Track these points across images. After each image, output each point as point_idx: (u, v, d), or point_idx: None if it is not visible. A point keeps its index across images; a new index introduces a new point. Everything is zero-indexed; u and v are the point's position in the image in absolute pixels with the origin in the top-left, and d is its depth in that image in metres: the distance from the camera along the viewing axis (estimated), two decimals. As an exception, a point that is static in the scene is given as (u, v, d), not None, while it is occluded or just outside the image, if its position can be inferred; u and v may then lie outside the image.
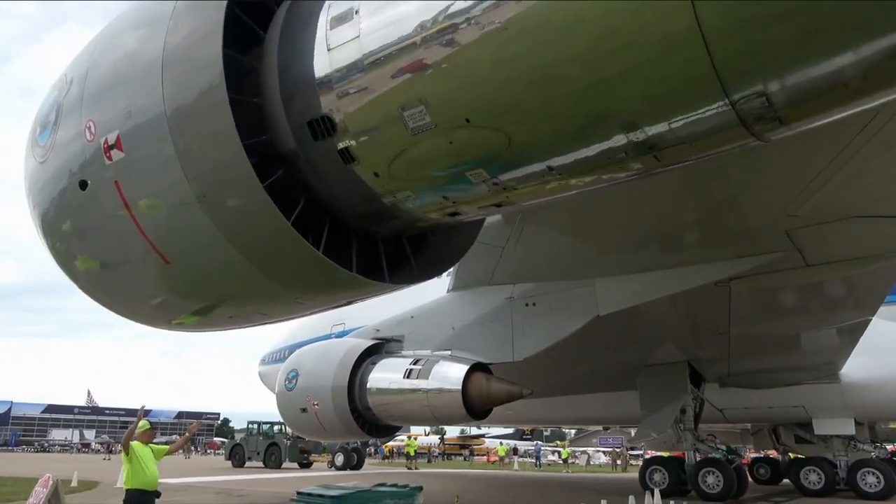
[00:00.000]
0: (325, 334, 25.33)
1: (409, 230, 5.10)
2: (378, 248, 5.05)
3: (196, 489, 18.83)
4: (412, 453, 39.29)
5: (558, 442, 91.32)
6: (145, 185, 4.78)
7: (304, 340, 27.38)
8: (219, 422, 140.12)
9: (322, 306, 5.92)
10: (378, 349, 13.92)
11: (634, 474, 32.68)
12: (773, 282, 10.95)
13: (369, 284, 4.93)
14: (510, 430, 66.36)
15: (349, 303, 5.84)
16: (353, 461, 29.54)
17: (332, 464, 30.46)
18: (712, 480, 14.56)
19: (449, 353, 12.91)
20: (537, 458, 47.85)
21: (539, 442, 71.10)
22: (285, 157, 4.50)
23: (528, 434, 70.39)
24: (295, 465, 32.43)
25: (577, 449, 70.24)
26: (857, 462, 15.92)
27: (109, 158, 4.85)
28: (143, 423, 7.98)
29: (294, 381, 13.93)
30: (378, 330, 14.55)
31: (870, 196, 8.36)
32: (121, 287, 5.64)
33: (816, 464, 16.36)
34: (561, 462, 44.87)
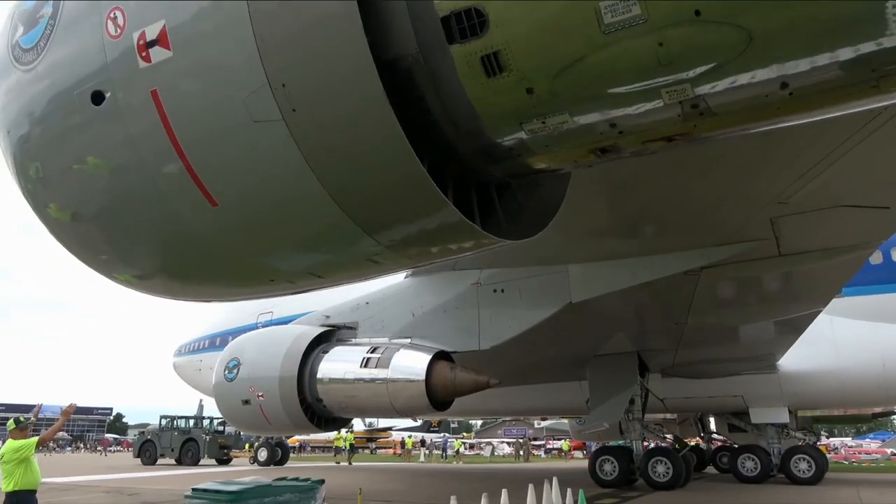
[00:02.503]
0: (250, 324, 23.91)
1: (505, 176, 4.17)
2: (470, 196, 4.07)
3: (84, 488, 17.20)
4: (344, 446, 38.36)
5: (464, 434, 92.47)
6: (201, 96, 3.59)
7: (228, 330, 25.86)
8: (111, 417, 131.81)
9: (395, 270, 4.76)
10: (328, 337, 13.05)
11: (536, 464, 34.26)
12: (743, 271, 10.98)
13: (484, 239, 4.00)
14: (418, 423, 66.41)
15: (429, 263, 4.71)
16: (278, 456, 28.18)
17: (254, 459, 28.94)
18: (662, 469, 14.68)
19: (408, 341, 12.24)
20: (444, 449, 48.01)
21: (447, 434, 71.62)
22: (397, 67, 3.42)
23: (435, 426, 70.76)
24: (213, 462, 30.67)
25: (481, 440, 71.48)
26: (790, 449, 16.58)
27: (146, 60, 3.65)
28: (10, 423, 7.45)
29: (235, 371, 12.81)
30: (328, 316, 13.64)
31: (860, 185, 8.40)
32: (131, 240, 4.41)
33: (753, 451, 16.89)
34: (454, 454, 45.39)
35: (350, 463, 34.70)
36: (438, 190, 3.47)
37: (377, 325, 12.89)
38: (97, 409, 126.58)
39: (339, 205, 3.67)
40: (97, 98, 3.88)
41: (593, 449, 19.90)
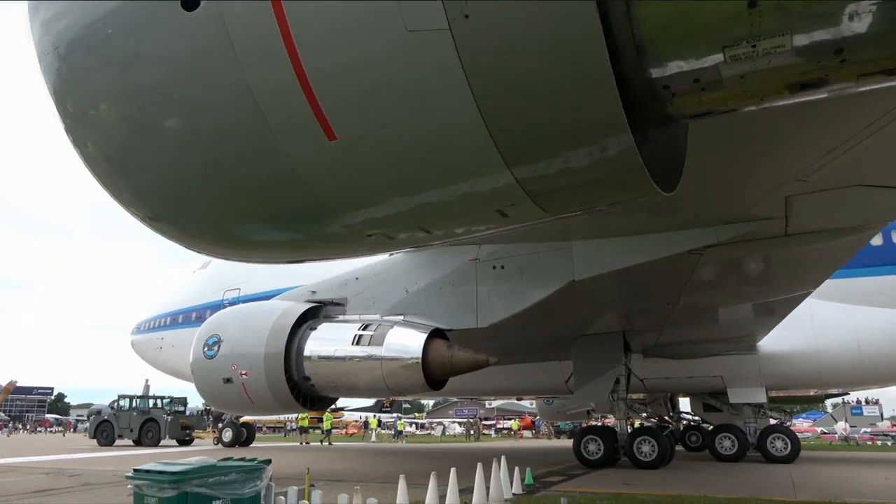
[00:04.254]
0: (216, 300, 23.00)
1: (663, 118, 3.61)
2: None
3: (24, 469, 16.24)
4: (298, 426, 37.84)
5: (416, 414, 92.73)
6: (335, 4, 2.92)
7: (190, 307, 24.86)
8: (52, 397, 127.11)
9: (513, 225, 4.08)
10: (315, 313, 12.49)
11: (486, 444, 34.69)
12: (746, 251, 10.89)
13: (643, 190, 3.46)
14: (370, 403, 66.07)
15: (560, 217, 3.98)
16: (243, 437, 27.41)
17: (218, 440, 28.09)
18: (647, 449, 14.70)
19: (401, 318, 11.80)
20: (396, 429, 48.13)
21: (399, 414, 71.78)
22: None
23: (387, 406, 70.86)
24: (174, 442, 29.72)
25: (433, 420, 71.85)
26: (766, 429, 16.87)
27: None
28: None
29: (216, 348, 12.14)
30: (314, 292, 13.05)
31: (879, 165, 8.30)
32: (213, 182, 3.76)
33: (731, 431, 17.12)
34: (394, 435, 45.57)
35: (330, 443, 34.32)
36: (628, 126, 2.95)
37: (367, 301, 12.39)
38: (37, 388, 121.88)
39: (494, 137, 3.09)
40: (190, 2, 3.24)
41: (542, 429, 19.66)
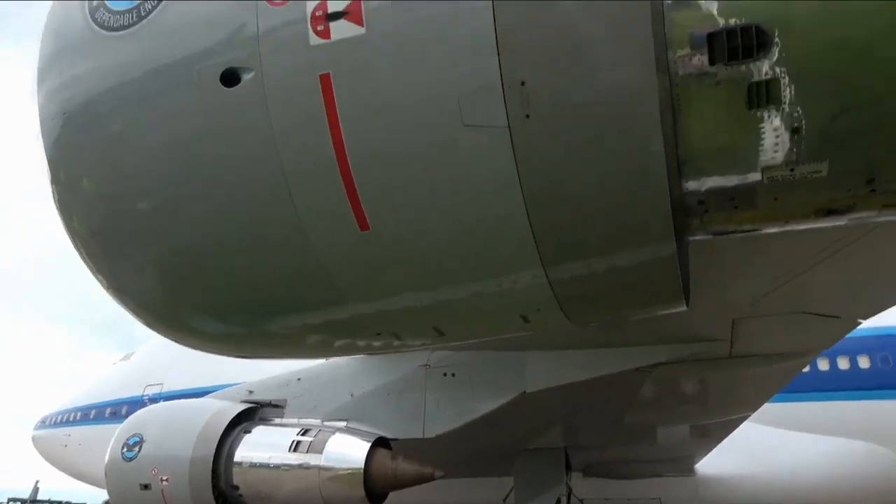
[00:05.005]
0: (135, 395, 21.38)
1: (689, 232, 3.66)
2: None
3: None
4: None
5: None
6: (394, 87, 2.90)
7: (105, 402, 23.00)
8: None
9: (533, 330, 3.95)
10: (250, 415, 11.72)
11: None
12: (691, 371, 11.10)
13: (673, 304, 3.44)
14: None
15: (592, 323, 3.88)
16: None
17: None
18: (588, 575, 14.05)
19: (344, 424, 11.22)
20: None
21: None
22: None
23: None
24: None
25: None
26: (705, 555, 16.53)
27: (322, 35, 2.96)
28: None
29: (136, 449, 11.15)
30: (252, 392, 12.32)
31: (821, 293, 8.75)
32: (224, 262, 3.51)
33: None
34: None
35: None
36: (674, 238, 2.97)
37: (309, 404, 11.79)
38: None
39: (536, 237, 3.05)
40: (230, 78, 3.14)
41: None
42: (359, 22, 2.96)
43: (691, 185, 3.13)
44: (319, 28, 3.01)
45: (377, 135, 3.04)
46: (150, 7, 3.41)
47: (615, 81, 2.70)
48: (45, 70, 3.80)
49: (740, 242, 7.46)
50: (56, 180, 3.78)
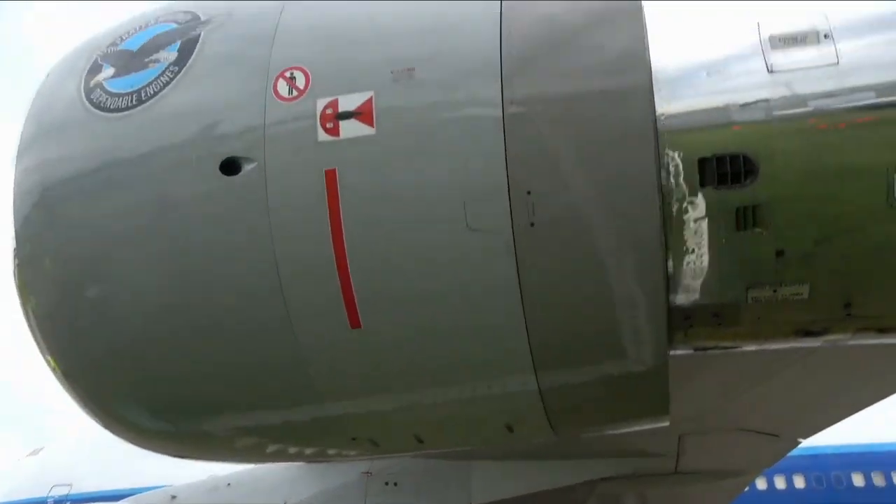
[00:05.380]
0: (38, 496, 19.35)
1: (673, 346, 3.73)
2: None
3: None
4: None
5: None
6: (401, 186, 2.98)
7: (7, 503, 20.66)
8: None
9: (516, 441, 3.94)
10: (173, 524, 10.78)
11: None
12: (637, 486, 11.00)
13: (659, 418, 3.45)
14: None
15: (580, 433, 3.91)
16: None
17: None
18: None
19: (276, 536, 10.43)
20: None
21: None
22: None
23: None
24: None
25: None
26: None
27: (332, 132, 3.02)
28: None
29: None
30: (175, 497, 11.37)
31: (761, 412, 9.00)
32: (211, 364, 3.31)
33: None
34: None
35: None
36: (668, 352, 3.03)
37: (238, 512, 10.96)
38: None
39: (531, 342, 3.06)
40: (231, 166, 3.13)
41: None
42: (370, 123, 3.06)
43: (679, 299, 3.27)
44: (329, 125, 3.10)
45: (379, 232, 3.07)
46: (152, 91, 3.43)
47: (620, 199, 2.85)
48: (29, 143, 3.72)
49: (689, 357, 7.70)
50: (20, 255, 3.62)
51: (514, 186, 2.90)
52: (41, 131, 3.69)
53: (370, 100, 3.06)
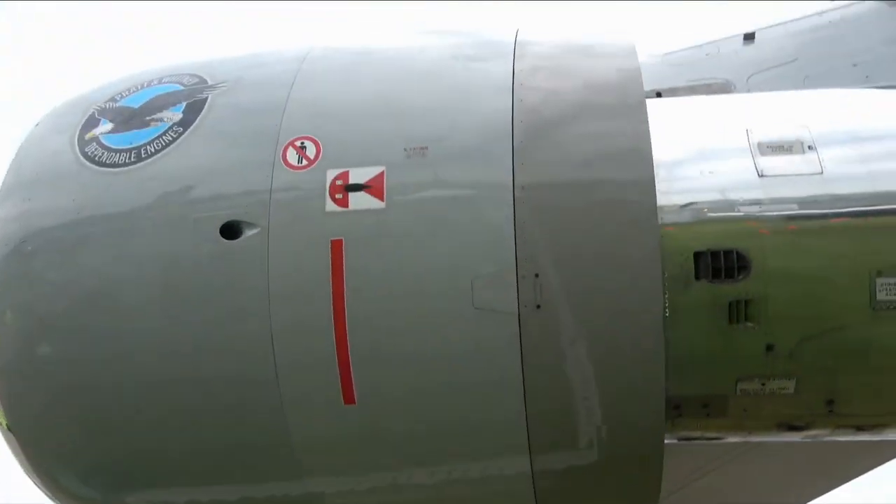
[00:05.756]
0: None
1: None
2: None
3: None
4: None
5: None
6: (408, 261, 2.97)
7: None
8: None
9: None
10: None
11: None
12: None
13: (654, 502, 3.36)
14: None
15: None
16: None
17: None
18: None
19: None
20: None
21: None
22: None
23: None
24: None
25: None
26: None
27: (340, 203, 3.00)
28: None
29: None
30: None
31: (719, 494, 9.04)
32: (182, 429, 3.12)
33: None
34: None
35: None
36: (664, 438, 3.03)
37: None
38: None
39: (529, 423, 3.03)
40: (232, 230, 3.05)
41: None
42: (379, 196, 3.06)
43: (670, 389, 3.31)
44: (338, 196, 3.08)
45: (382, 306, 3.02)
46: (153, 150, 3.36)
47: (625, 287, 2.93)
48: (10, 191, 3.55)
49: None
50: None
51: (522, 268, 2.93)
52: (26, 180, 3.52)
53: (381, 174, 3.07)
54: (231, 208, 3.16)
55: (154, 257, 3.21)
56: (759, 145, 3.35)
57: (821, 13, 5.22)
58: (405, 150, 3.13)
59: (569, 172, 3.08)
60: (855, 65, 4.74)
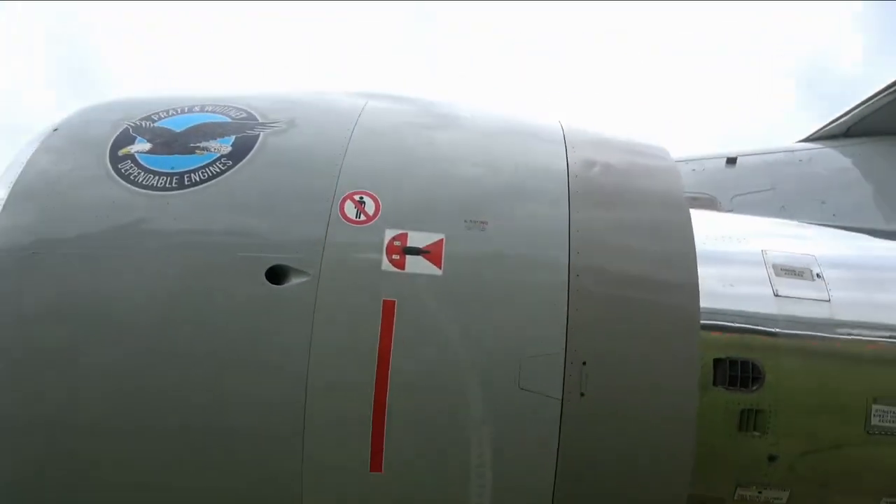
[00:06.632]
0: None
1: None
2: None
3: None
4: None
5: None
6: (461, 332, 2.96)
7: None
8: None
9: None
10: None
11: None
12: None
13: None
14: None
15: None
16: None
17: None
18: None
19: None
20: None
21: None
22: None
23: None
24: None
25: None
26: None
27: (396, 265, 2.97)
28: None
29: None
30: None
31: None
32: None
33: None
34: None
35: None
36: None
37: None
38: None
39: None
40: (278, 275, 2.94)
41: None
42: (437, 263, 3.06)
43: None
44: (394, 257, 3.05)
45: (428, 372, 2.97)
46: (197, 178, 3.21)
47: (665, 388, 3.08)
48: (20, 197, 3.25)
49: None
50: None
51: (570, 356, 3.00)
52: (44, 187, 3.24)
53: (441, 242, 3.06)
54: (280, 252, 3.06)
55: (189, 290, 3.04)
56: (775, 266, 3.64)
57: (792, 150, 5.82)
58: (465, 221, 3.17)
59: (621, 267, 3.22)
60: (823, 202, 5.27)
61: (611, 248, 3.23)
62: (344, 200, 3.17)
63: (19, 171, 3.37)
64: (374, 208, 3.17)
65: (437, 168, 3.39)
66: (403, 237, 3.11)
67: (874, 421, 3.44)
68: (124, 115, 3.58)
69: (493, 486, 3.06)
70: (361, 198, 3.20)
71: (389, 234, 3.11)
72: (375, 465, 2.97)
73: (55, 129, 3.59)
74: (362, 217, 3.15)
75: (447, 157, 3.46)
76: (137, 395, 2.99)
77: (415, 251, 3.08)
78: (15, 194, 3.28)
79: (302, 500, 3.02)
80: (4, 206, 3.25)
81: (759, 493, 3.52)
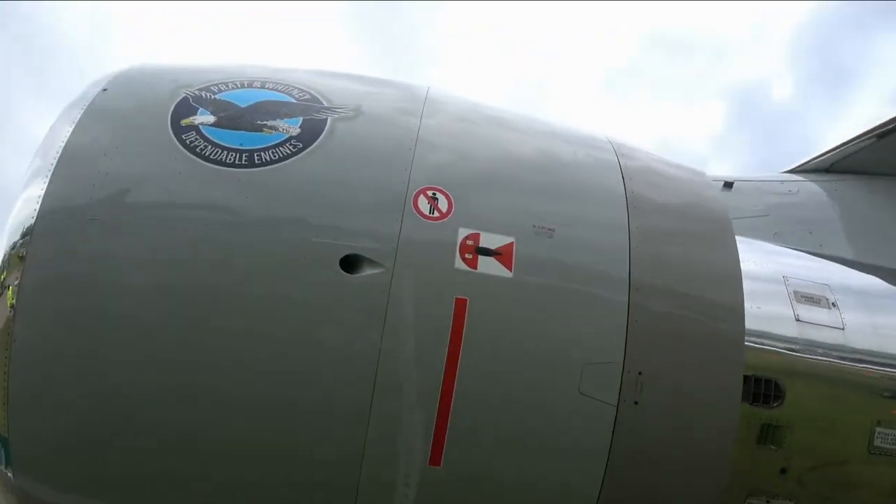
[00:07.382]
0: None
1: None
2: None
3: None
4: None
5: None
6: (526, 337, 3.07)
7: None
8: None
9: None
10: None
11: None
12: None
13: None
14: None
15: None
16: None
17: None
18: None
19: None
20: None
21: None
22: None
23: None
24: None
25: None
26: None
27: (469, 264, 3.01)
28: None
29: None
30: None
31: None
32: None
33: None
34: None
35: None
36: None
37: None
38: None
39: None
40: (353, 264, 2.95)
41: None
42: (508, 266, 3.13)
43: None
44: (467, 256, 3.10)
45: (494, 371, 3.05)
46: (267, 158, 3.14)
47: (711, 402, 3.30)
48: (73, 160, 3.09)
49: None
50: (33, 272, 2.90)
51: (628, 365, 3.14)
52: (99, 150, 3.07)
53: (511, 245, 3.14)
54: (355, 241, 3.06)
55: (261, 270, 2.99)
56: (796, 293, 3.92)
57: (781, 181, 6.18)
58: (534, 226, 3.25)
59: (675, 285, 3.39)
60: (811, 232, 5.63)
61: (667, 266, 3.40)
62: (417, 195, 3.19)
63: (69, 130, 3.20)
64: (446, 205, 3.20)
65: (504, 169, 3.46)
66: (476, 237, 3.16)
67: (877, 442, 3.77)
68: (180, 83, 3.46)
69: (543, 485, 3.18)
70: (434, 193, 3.22)
71: (463, 232, 3.15)
72: (435, 458, 3.02)
73: (104, 90, 3.42)
74: (436, 213, 3.17)
75: (513, 157, 3.53)
76: (203, 367, 2.94)
77: (487, 252, 3.14)
78: (68, 155, 3.12)
79: (358, 486, 3.04)
80: (56, 165, 3.09)
81: (768, 502, 3.80)
